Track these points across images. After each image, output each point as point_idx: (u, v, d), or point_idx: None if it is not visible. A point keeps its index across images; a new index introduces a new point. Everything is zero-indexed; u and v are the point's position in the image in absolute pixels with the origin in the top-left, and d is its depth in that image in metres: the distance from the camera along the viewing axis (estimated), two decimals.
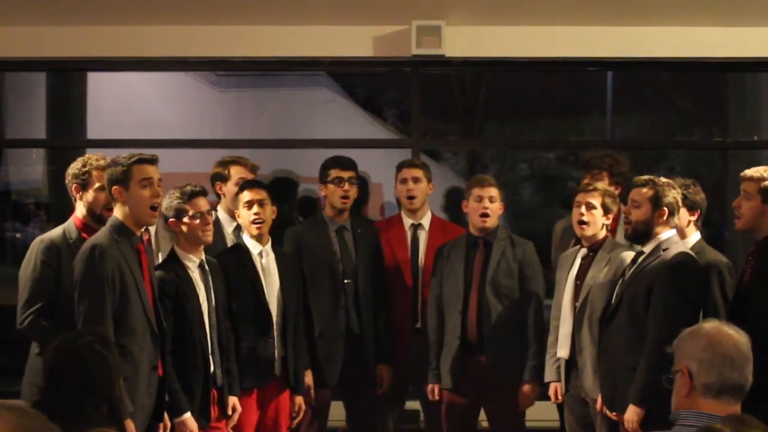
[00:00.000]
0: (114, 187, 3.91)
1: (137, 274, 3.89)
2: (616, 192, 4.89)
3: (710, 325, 2.52)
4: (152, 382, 3.92)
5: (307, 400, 4.79)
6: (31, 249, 4.24)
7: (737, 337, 2.47)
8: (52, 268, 4.15)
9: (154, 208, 3.94)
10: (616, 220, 4.88)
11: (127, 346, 3.78)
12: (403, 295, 5.14)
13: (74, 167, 4.30)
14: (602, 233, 4.65)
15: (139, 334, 3.85)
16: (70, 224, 4.29)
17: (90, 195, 4.26)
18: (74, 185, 4.29)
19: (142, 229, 4.04)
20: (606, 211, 4.62)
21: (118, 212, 3.93)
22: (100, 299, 3.75)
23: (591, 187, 4.70)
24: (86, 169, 4.27)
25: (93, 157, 4.32)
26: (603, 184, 4.84)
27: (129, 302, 3.82)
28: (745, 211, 4.17)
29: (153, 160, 3.99)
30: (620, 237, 4.87)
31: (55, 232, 4.28)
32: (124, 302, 3.81)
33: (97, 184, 4.23)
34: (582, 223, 4.63)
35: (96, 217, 4.24)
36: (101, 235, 3.89)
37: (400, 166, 5.28)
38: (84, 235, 4.23)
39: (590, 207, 4.61)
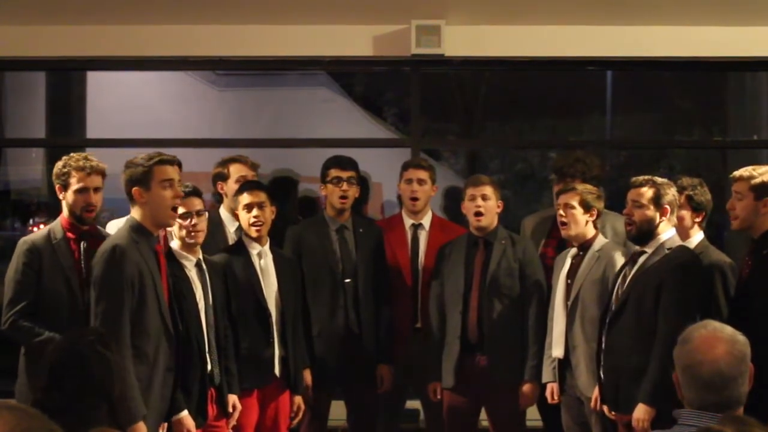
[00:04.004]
0: (134, 188, 3.86)
1: (156, 275, 3.86)
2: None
3: (700, 334, 2.45)
4: (167, 383, 3.89)
5: (306, 399, 4.79)
6: (15, 250, 4.26)
7: (722, 354, 2.40)
8: (33, 270, 4.18)
9: (174, 209, 3.92)
10: None
11: (143, 348, 3.76)
12: (403, 295, 5.13)
13: (57, 167, 4.28)
14: (590, 231, 4.66)
15: (154, 335, 3.82)
16: (57, 224, 4.29)
17: (69, 196, 4.24)
18: (57, 185, 4.27)
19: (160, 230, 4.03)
20: (587, 208, 4.63)
21: (136, 213, 3.89)
22: (119, 301, 3.72)
23: (569, 188, 4.72)
24: (66, 169, 4.24)
25: (74, 156, 4.29)
26: (581, 184, 4.82)
27: (146, 304, 3.79)
28: (739, 211, 4.21)
29: (173, 161, 3.95)
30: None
31: (39, 234, 4.29)
32: (142, 304, 3.78)
33: (75, 186, 4.20)
34: (562, 224, 4.65)
35: (77, 217, 4.23)
36: (120, 235, 3.85)
37: (406, 166, 5.27)
38: (69, 234, 4.24)
39: (569, 207, 4.63)
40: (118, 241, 3.81)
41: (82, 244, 4.25)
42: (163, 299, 3.88)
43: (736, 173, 4.25)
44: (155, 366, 3.82)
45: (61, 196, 4.28)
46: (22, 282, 4.17)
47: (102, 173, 4.30)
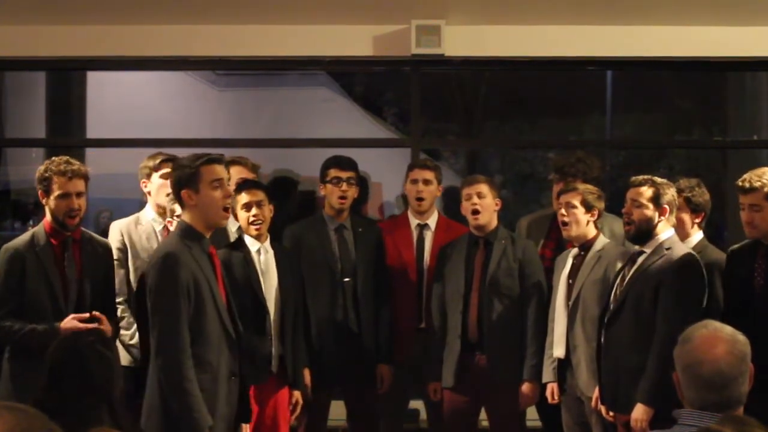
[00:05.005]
0: (183, 191, 3.72)
1: (211, 279, 3.73)
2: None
3: (701, 334, 2.44)
4: (232, 390, 3.78)
5: (306, 398, 4.79)
6: None
7: (723, 354, 2.39)
8: (15, 276, 4.15)
9: (226, 209, 3.79)
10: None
11: (204, 356, 3.64)
12: (407, 295, 5.13)
13: (38, 171, 4.22)
14: (592, 231, 4.66)
15: (215, 342, 3.70)
16: (40, 228, 4.24)
17: (51, 202, 4.18)
18: (39, 191, 4.21)
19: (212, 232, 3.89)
20: (588, 208, 4.62)
21: (185, 216, 3.76)
22: (176, 310, 3.60)
23: (570, 187, 4.72)
24: (47, 174, 4.17)
25: (55, 161, 4.21)
26: (583, 184, 4.83)
27: (204, 310, 3.67)
28: (759, 221, 4.15)
29: (221, 160, 3.83)
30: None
31: (22, 239, 4.25)
32: (200, 310, 3.65)
33: (57, 191, 4.14)
34: (564, 224, 4.65)
35: (59, 223, 4.19)
36: (172, 241, 3.74)
37: (412, 166, 5.27)
38: (52, 240, 4.21)
39: (570, 206, 4.62)
40: (170, 248, 3.68)
41: (65, 249, 4.23)
42: (221, 303, 3.75)
43: (744, 184, 4.18)
44: (218, 373, 3.71)
45: (43, 202, 4.22)
46: (3, 288, 4.15)
47: (85, 177, 4.23)
